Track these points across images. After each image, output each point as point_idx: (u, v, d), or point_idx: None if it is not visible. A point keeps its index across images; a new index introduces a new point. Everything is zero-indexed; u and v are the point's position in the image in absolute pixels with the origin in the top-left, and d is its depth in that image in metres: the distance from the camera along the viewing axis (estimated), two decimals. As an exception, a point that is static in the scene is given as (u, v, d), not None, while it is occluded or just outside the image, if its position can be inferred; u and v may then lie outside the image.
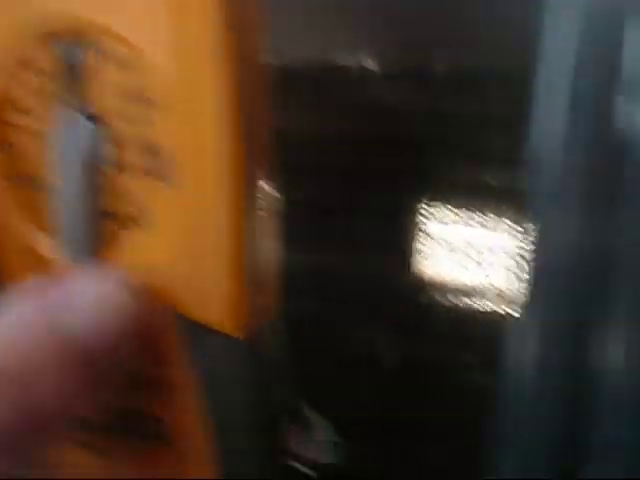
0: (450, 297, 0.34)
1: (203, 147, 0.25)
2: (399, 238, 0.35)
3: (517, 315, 0.27)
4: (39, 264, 0.27)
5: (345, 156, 0.34)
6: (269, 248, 0.27)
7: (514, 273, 0.27)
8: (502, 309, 0.33)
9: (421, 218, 0.34)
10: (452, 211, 0.34)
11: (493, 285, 0.34)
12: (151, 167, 0.25)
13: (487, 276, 0.34)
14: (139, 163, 0.25)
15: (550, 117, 0.26)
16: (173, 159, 0.25)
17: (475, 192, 0.33)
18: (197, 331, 0.24)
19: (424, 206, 0.34)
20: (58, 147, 0.26)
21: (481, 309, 0.34)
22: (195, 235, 0.25)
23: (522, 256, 0.27)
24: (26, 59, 0.26)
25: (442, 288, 0.34)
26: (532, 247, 0.27)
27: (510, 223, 0.33)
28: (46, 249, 0.27)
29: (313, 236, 0.33)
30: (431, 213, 0.34)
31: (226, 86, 0.24)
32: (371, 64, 0.34)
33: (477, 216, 0.34)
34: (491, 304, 0.34)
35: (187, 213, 0.25)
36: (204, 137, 0.25)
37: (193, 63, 0.24)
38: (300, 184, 0.32)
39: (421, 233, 0.34)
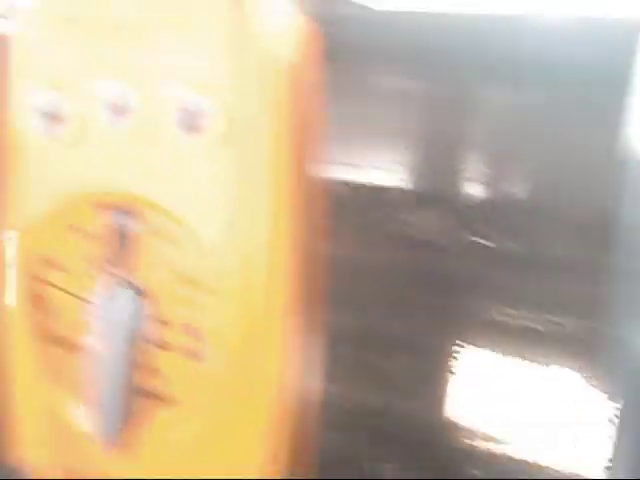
0: (481, 442, 0.33)
1: (254, 330, 0.24)
2: (432, 378, 0.34)
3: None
4: (59, 430, 0.26)
5: (383, 286, 0.33)
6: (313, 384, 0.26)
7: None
8: (535, 456, 0.32)
9: (455, 359, 0.34)
10: (487, 353, 0.33)
11: (526, 431, 0.32)
12: (191, 348, 0.25)
13: (520, 423, 0.33)
14: (180, 343, 0.25)
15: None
16: (215, 342, 0.24)
17: (512, 335, 0.33)
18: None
19: (458, 346, 0.34)
20: (98, 314, 0.25)
21: (513, 456, 0.33)
22: (229, 413, 0.25)
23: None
24: (75, 223, 0.25)
25: (472, 432, 0.34)
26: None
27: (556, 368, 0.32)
28: (71, 414, 0.26)
29: (349, 370, 0.33)
30: (465, 354, 0.34)
31: (286, 268, 0.23)
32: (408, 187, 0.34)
33: (514, 359, 0.33)
34: (522, 449, 0.33)
35: (222, 392, 0.25)
36: (257, 321, 0.24)
37: (248, 245, 0.23)
38: (339, 315, 0.30)
39: (454, 374, 0.34)
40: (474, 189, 0.35)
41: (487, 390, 0.34)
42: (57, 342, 0.27)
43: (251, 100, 0.24)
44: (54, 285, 0.26)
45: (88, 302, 0.26)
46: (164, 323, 0.25)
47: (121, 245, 0.25)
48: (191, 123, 0.24)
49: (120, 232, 0.25)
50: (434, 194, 0.36)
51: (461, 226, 0.35)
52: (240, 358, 0.24)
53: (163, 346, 0.25)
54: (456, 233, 0.35)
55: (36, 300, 0.27)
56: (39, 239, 0.26)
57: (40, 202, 0.26)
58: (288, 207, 0.24)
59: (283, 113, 0.24)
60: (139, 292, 0.25)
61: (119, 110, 0.25)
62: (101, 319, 0.26)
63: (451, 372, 0.35)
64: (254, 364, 0.24)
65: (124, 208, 0.25)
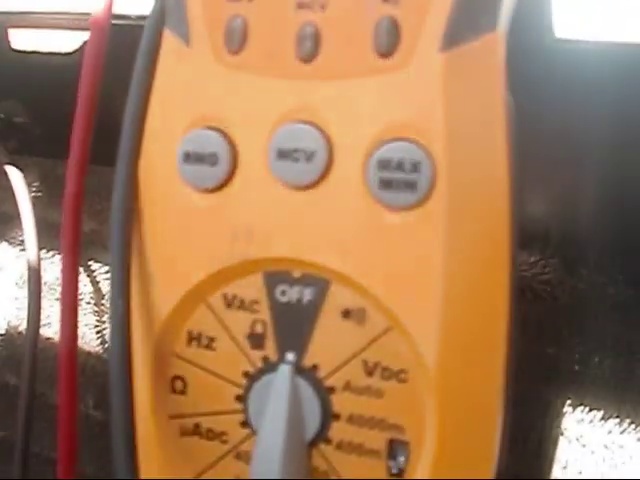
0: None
1: (460, 427, 0.20)
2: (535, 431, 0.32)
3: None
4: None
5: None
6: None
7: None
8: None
9: (558, 415, 0.32)
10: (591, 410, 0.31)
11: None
12: (373, 446, 0.21)
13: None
14: (354, 438, 0.21)
15: None
16: (397, 436, 0.20)
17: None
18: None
19: (561, 402, 0.32)
20: (252, 402, 0.22)
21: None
22: None
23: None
24: (233, 293, 0.21)
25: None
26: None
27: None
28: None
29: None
30: (569, 410, 0.31)
31: (501, 361, 0.19)
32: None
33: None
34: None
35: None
36: (464, 415, 0.20)
37: (463, 352, 0.19)
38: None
39: (558, 432, 0.32)
40: (586, 247, 0.32)
41: (596, 450, 0.32)
42: (194, 429, 0.22)
43: (475, 149, 0.19)
44: (199, 366, 0.22)
45: (240, 386, 0.22)
46: (337, 417, 0.21)
47: (290, 321, 0.21)
48: (395, 179, 0.19)
49: (290, 306, 0.21)
50: (541, 236, 0.33)
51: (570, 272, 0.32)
52: (443, 460, 0.20)
53: (337, 444, 0.21)
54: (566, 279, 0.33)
55: (175, 382, 0.22)
56: (185, 312, 0.21)
57: (191, 268, 0.21)
58: (508, 292, 0.19)
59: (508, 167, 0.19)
60: (308, 378, 0.21)
61: (298, 158, 0.20)
62: (255, 407, 0.22)
63: (557, 427, 0.32)
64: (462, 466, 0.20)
65: (298, 278, 0.21)
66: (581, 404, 0.32)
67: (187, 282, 0.21)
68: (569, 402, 0.32)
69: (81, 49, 0.35)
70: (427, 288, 0.19)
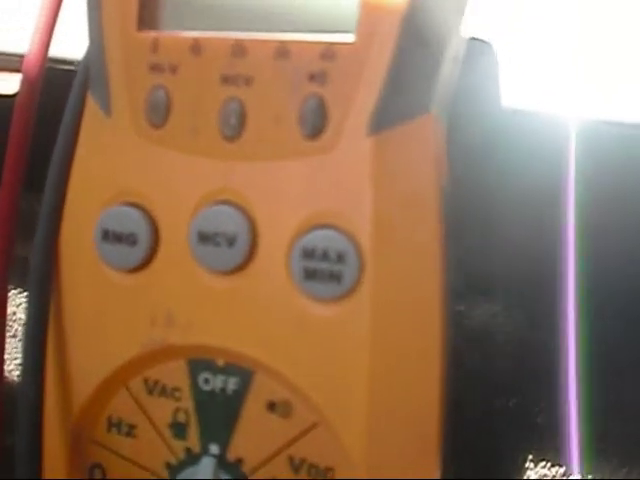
0: None
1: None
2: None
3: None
4: None
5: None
6: None
7: None
8: None
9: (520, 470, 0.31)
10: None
11: None
12: None
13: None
14: None
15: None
16: None
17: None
18: None
19: (523, 457, 0.31)
20: None
21: None
22: None
23: None
24: (154, 379, 0.20)
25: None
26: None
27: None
28: None
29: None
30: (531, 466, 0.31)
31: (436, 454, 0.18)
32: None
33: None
34: None
35: None
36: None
37: (391, 449, 0.18)
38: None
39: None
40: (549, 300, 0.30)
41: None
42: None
43: (405, 238, 0.18)
44: (119, 454, 0.20)
45: (162, 478, 0.20)
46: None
47: (214, 411, 0.20)
48: (320, 269, 0.18)
49: (214, 395, 0.19)
50: (504, 289, 0.32)
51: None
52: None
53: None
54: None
55: (94, 471, 0.21)
56: (104, 397, 0.20)
57: (110, 351, 0.20)
58: (439, 386, 0.18)
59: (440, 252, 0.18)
60: (232, 472, 0.20)
61: (219, 242, 0.19)
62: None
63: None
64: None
65: (223, 367, 0.19)
66: (543, 459, 0.31)
67: (106, 366, 0.20)
68: (531, 457, 0.31)
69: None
70: (353, 383, 0.18)
